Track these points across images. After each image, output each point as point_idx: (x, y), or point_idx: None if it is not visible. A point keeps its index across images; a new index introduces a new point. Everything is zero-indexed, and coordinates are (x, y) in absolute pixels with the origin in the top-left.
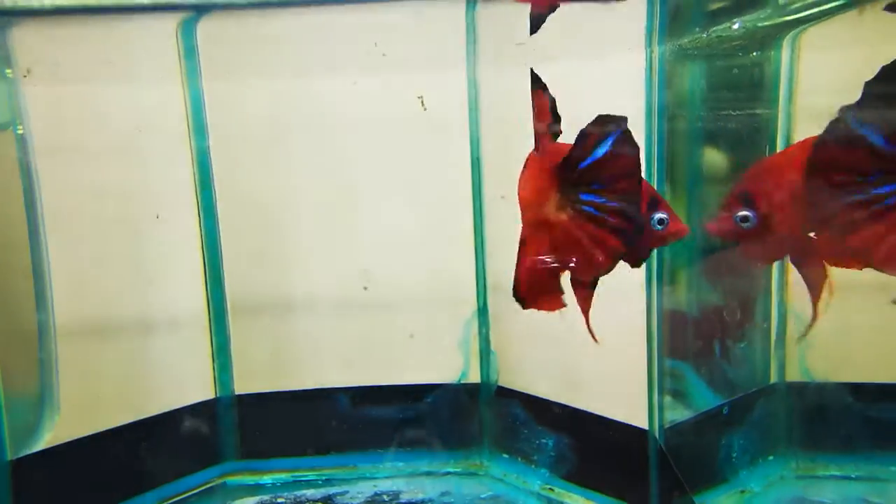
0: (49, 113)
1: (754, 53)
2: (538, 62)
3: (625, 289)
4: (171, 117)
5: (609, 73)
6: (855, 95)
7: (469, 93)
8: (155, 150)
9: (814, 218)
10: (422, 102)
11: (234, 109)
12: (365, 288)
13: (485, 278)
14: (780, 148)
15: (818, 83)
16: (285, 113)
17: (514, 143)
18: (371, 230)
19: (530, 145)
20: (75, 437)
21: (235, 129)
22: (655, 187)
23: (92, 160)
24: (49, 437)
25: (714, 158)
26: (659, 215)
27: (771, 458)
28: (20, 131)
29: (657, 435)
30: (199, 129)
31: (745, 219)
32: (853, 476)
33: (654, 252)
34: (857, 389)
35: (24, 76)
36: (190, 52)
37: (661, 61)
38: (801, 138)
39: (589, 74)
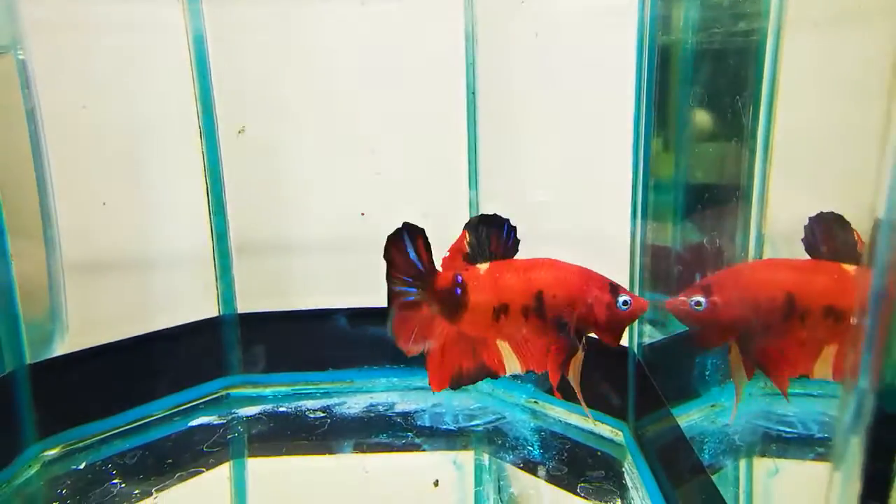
0: (48, 38)
1: None
2: None
3: (611, 227)
4: (172, 43)
5: (602, 7)
6: (841, 22)
7: (466, 20)
8: (157, 76)
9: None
10: None
11: (236, 37)
12: (362, 214)
13: (478, 208)
14: (766, 78)
15: (806, 11)
16: (288, 43)
17: (508, 77)
18: (369, 159)
19: (527, 79)
20: (86, 347)
21: (238, 57)
22: (644, 129)
23: (93, 85)
24: (60, 346)
25: (703, 100)
26: (623, 298)
27: None
28: (21, 56)
29: (636, 351)
30: (200, 56)
31: (697, 303)
32: (815, 394)
33: (639, 192)
34: None
35: None
36: None
37: None
38: (787, 66)
39: (581, 8)
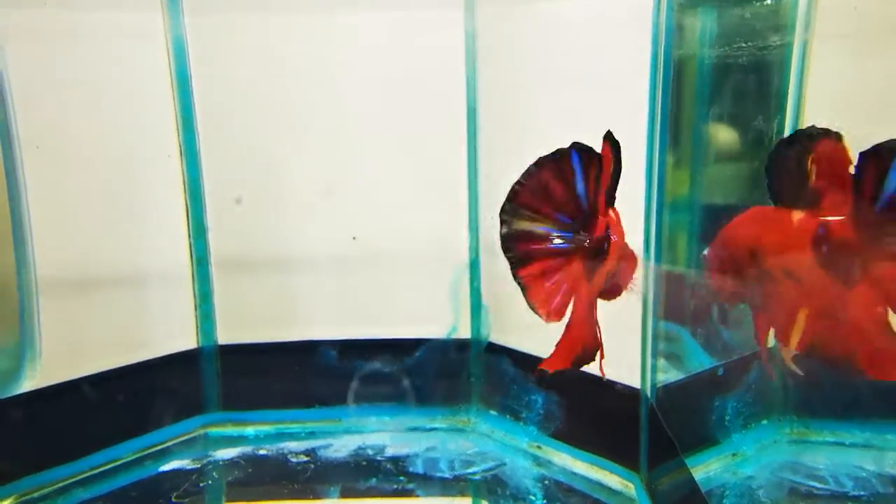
0: (26, 50)
1: (768, 1)
2: (536, 2)
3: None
4: (152, 53)
5: (613, 19)
6: (875, 38)
7: (467, 33)
8: (134, 89)
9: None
10: None
11: (220, 49)
12: (354, 238)
13: (477, 232)
14: (790, 101)
15: (836, 26)
16: (275, 54)
17: (511, 93)
18: (362, 179)
19: (527, 95)
20: (54, 384)
21: (221, 69)
22: (658, 149)
23: (69, 98)
24: (29, 382)
25: (721, 118)
26: None
27: (765, 422)
28: None
29: (649, 394)
30: (180, 67)
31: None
32: (847, 443)
33: (654, 217)
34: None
35: None
36: None
37: (670, 4)
38: (814, 84)
39: (590, 19)
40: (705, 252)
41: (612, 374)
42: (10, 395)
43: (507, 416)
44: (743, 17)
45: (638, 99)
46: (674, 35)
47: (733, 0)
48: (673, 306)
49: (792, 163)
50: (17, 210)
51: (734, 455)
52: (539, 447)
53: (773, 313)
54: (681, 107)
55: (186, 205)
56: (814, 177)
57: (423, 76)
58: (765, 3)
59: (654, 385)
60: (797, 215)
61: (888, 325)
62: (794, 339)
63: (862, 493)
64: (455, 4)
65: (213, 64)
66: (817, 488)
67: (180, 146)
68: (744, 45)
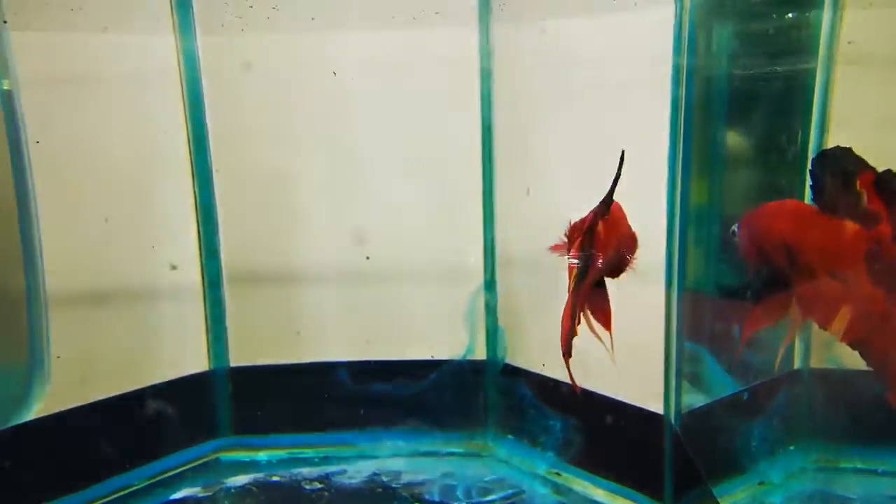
0: (37, 67)
1: (790, 15)
2: (553, 17)
3: (643, 267)
4: (163, 74)
5: (632, 30)
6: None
7: (481, 52)
8: (145, 109)
9: None
10: None
11: (232, 68)
12: (367, 258)
13: (493, 249)
14: (815, 114)
15: (863, 42)
16: (287, 72)
17: (527, 109)
18: (375, 197)
19: (544, 110)
20: (62, 410)
21: (233, 87)
22: (681, 165)
23: (81, 118)
24: (38, 407)
25: (743, 136)
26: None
27: (792, 448)
28: (6, 87)
29: (673, 420)
30: (193, 87)
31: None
32: (879, 471)
33: (677, 230)
34: None
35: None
36: (183, 2)
37: (692, 15)
38: (840, 104)
39: (609, 31)
40: (734, 228)
41: (633, 397)
42: (18, 421)
43: (525, 441)
44: (766, 32)
45: (659, 117)
46: (696, 53)
47: (753, 14)
48: (694, 325)
49: (842, 177)
50: (28, 232)
51: (761, 484)
52: (558, 474)
53: (811, 305)
54: (703, 127)
55: (198, 225)
56: (866, 199)
57: (438, 93)
58: (786, 17)
59: (678, 410)
60: (851, 226)
61: None
62: (838, 327)
63: None
64: (469, 21)
65: (225, 83)
66: None
67: (192, 166)
68: (766, 61)
